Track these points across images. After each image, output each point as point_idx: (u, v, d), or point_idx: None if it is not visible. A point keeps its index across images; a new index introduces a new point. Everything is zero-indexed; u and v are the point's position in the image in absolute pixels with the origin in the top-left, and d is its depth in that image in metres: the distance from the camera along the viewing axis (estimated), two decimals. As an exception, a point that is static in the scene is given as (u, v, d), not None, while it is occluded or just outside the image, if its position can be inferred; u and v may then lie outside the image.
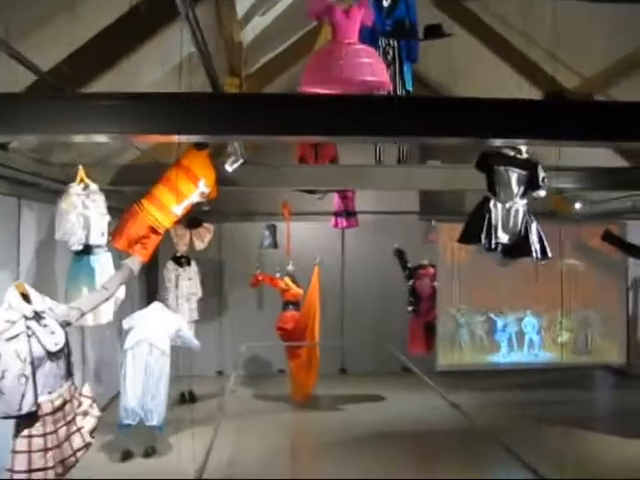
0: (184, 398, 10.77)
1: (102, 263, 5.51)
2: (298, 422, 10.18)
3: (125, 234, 6.25)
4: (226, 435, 8.35)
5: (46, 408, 3.97)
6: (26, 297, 4.04)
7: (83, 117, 3.94)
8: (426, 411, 9.92)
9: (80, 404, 4.27)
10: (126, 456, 7.93)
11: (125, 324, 8.20)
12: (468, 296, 10.79)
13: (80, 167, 5.46)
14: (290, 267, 10.77)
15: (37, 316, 4.01)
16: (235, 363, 10.60)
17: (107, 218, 5.74)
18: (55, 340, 4.01)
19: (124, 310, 8.12)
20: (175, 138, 4.16)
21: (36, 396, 3.91)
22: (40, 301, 4.10)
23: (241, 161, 6.66)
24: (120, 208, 6.66)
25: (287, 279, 10.67)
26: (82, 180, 5.50)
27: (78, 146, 7.30)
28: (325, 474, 7.66)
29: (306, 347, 10.26)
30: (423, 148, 10.57)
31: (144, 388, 7.76)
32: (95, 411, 4.37)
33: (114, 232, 6.32)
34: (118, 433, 8.00)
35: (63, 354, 4.09)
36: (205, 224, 10.95)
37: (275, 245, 11.63)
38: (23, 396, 3.83)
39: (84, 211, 5.27)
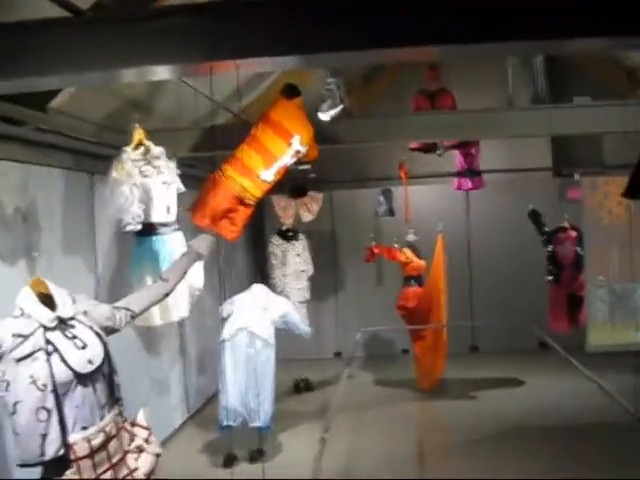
0: (299, 387, 9.81)
1: (170, 245, 4.32)
2: (424, 413, 8.97)
3: (207, 208, 5.19)
4: (343, 431, 7.37)
5: (81, 450, 2.86)
6: (48, 299, 3.02)
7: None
8: (573, 398, 8.47)
9: (133, 438, 3.16)
10: (229, 461, 6.95)
11: (223, 311, 7.22)
12: (626, 263, 9.16)
13: (137, 127, 4.35)
14: (410, 237, 9.51)
15: (62, 325, 2.96)
16: (353, 346, 9.53)
17: (175, 189, 4.59)
18: (88, 356, 2.93)
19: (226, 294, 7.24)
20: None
21: (65, 435, 2.88)
22: (69, 304, 3.03)
23: (340, 107, 5.46)
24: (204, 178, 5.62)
25: (407, 250, 9.41)
26: (140, 143, 4.38)
27: (157, 109, 6.35)
28: (457, 476, 6.44)
29: (432, 327, 9.01)
30: (565, 82, 9.01)
31: (246, 384, 6.79)
32: (154, 446, 3.22)
33: (194, 206, 5.27)
34: (219, 435, 7.07)
35: (101, 374, 3.01)
36: (311, 193, 9.89)
37: (392, 212, 10.40)
38: (44, 436, 2.79)
39: (144, 180, 4.15)
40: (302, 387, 9.82)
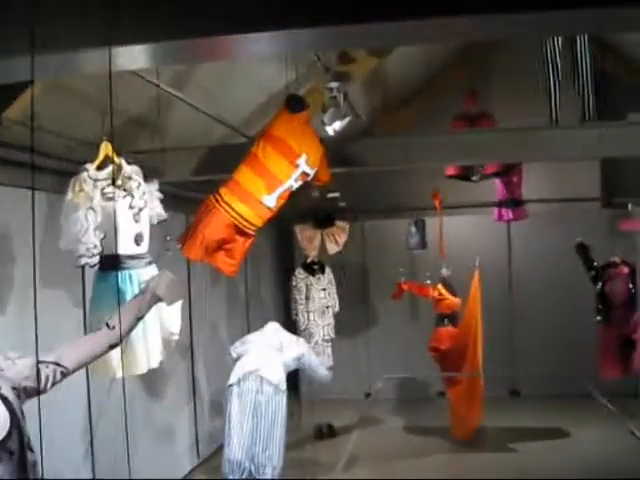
0: (321, 433, 9.02)
1: (139, 282, 3.61)
2: (458, 466, 8.09)
3: (198, 238, 4.53)
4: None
5: None
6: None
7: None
8: (622, 454, 7.55)
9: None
10: (234, 518, 6.21)
11: (233, 351, 6.54)
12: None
13: (105, 142, 3.64)
14: (444, 271, 8.74)
15: None
16: (374, 394, 8.81)
17: (147, 215, 3.76)
18: None
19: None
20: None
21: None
22: None
23: (348, 119, 4.75)
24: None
25: (440, 287, 8.64)
26: (110, 161, 3.64)
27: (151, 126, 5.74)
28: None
29: (467, 370, 8.19)
30: (617, 97, 8.21)
31: (253, 435, 6.05)
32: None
33: (184, 236, 4.62)
34: (224, 490, 6.36)
35: (5, 452, 2.31)
36: (338, 222, 9.18)
37: (424, 245, 9.64)
38: None
39: (106, 205, 3.42)
40: (325, 433, 9.04)
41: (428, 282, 8.75)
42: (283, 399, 6.23)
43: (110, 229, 3.36)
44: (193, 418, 7.87)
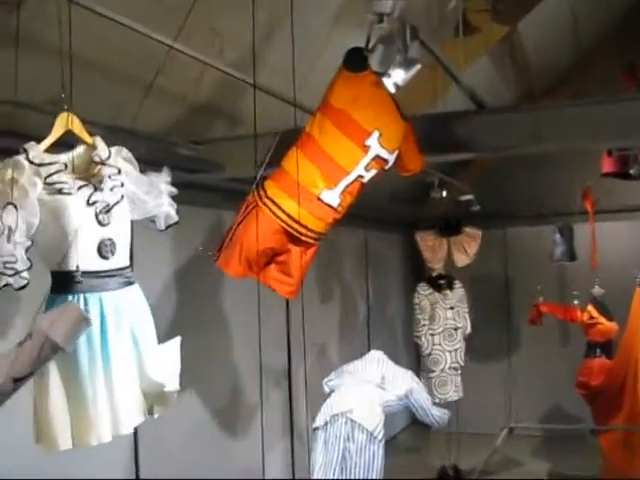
0: (445, 475, 7.66)
1: (110, 309, 2.43)
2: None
3: (237, 249, 3.41)
4: None
5: None
6: None
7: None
8: None
9: None
10: None
11: (326, 384, 5.44)
12: None
13: (65, 113, 2.53)
14: (597, 289, 7.16)
15: None
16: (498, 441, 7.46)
17: (126, 215, 2.58)
18: None
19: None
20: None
21: None
22: None
23: (417, 67, 3.32)
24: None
25: (591, 308, 7.07)
26: (69, 133, 2.50)
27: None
28: None
29: (624, 414, 6.63)
30: None
31: (340, 491, 4.89)
32: None
33: (220, 247, 3.50)
34: None
35: None
36: (468, 229, 7.83)
37: (571, 256, 8.03)
38: None
39: (54, 199, 2.28)
40: (450, 477, 7.69)
41: (576, 302, 7.21)
42: (379, 449, 4.99)
43: (61, 235, 2.28)
44: (290, 457, 6.78)
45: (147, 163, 2.84)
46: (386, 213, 8.87)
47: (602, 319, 7.00)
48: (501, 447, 8.61)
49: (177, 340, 2.68)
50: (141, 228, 2.85)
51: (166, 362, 2.59)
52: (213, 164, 4.75)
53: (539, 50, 7.54)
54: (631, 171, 6.60)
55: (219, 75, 4.45)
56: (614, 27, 8.66)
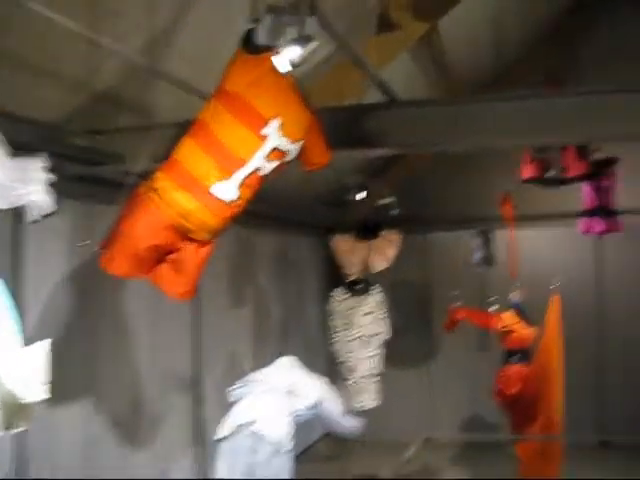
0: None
1: None
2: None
3: (123, 244, 3.10)
4: None
5: None
6: None
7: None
8: None
9: None
10: None
11: (231, 394, 5.11)
12: None
13: None
14: (515, 295, 7.04)
15: None
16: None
17: None
18: None
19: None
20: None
21: None
22: None
23: (314, 44, 3.01)
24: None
25: (509, 314, 6.95)
26: None
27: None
28: None
29: (542, 424, 6.53)
30: None
31: (245, 509, 4.58)
32: None
33: (105, 244, 3.18)
34: None
35: None
36: (385, 233, 7.68)
37: (489, 261, 7.97)
38: None
39: None
40: (368, 488, 7.53)
41: (493, 308, 7.08)
42: (286, 462, 4.70)
43: None
44: (195, 468, 6.47)
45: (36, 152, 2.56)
46: (306, 216, 8.67)
47: (520, 325, 6.88)
48: (419, 455, 8.47)
49: (44, 343, 2.36)
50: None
51: (26, 369, 2.27)
52: (113, 155, 4.41)
53: (460, 50, 7.44)
54: (546, 175, 6.57)
55: (122, 61, 4.16)
56: (538, 38, 8.79)
